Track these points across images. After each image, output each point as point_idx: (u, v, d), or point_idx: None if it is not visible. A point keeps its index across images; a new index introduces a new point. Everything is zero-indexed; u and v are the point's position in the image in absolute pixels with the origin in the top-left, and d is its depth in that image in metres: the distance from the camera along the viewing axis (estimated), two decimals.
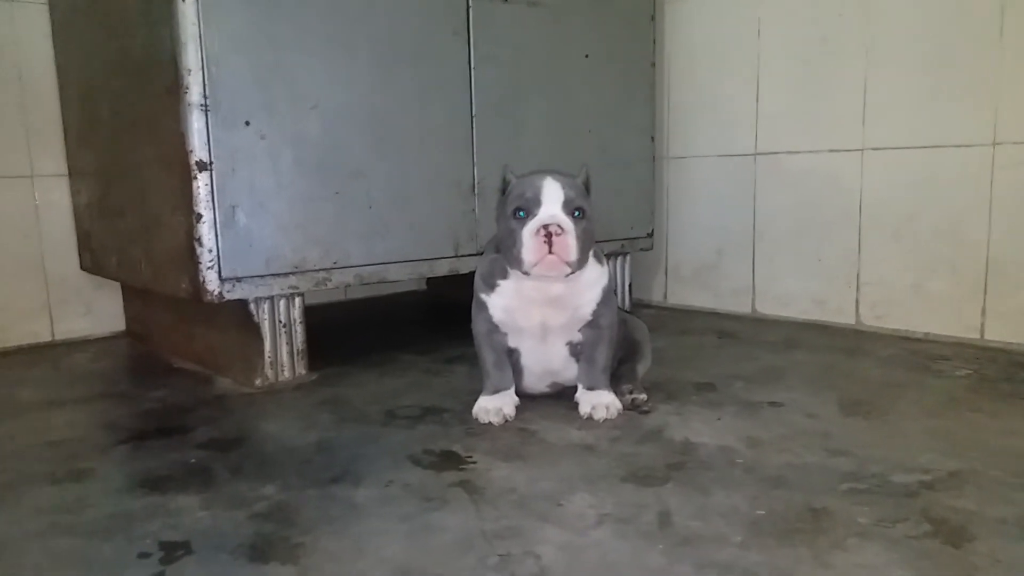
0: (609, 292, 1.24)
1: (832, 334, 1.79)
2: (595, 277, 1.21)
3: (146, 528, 0.87)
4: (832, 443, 1.08)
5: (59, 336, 1.90)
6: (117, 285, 1.96)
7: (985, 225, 1.61)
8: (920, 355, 1.56)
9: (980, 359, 1.52)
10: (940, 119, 1.65)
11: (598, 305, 1.22)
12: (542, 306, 1.19)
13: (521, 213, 1.11)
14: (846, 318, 1.85)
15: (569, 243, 1.08)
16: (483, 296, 1.23)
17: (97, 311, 1.95)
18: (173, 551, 0.82)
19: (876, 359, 1.55)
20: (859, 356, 1.58)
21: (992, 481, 0.94)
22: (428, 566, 0.77)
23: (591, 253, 1.19)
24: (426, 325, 2.13)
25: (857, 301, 1.82)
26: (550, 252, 1.08)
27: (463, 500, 0.92)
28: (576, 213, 1.11)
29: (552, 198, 1.10)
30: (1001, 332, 1.61)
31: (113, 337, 1.95)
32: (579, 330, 1.23)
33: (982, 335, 1.64)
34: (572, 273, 1.12)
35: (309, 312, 1.51)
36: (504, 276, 1.19)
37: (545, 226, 1.08)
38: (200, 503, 0.94)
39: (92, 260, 1.83)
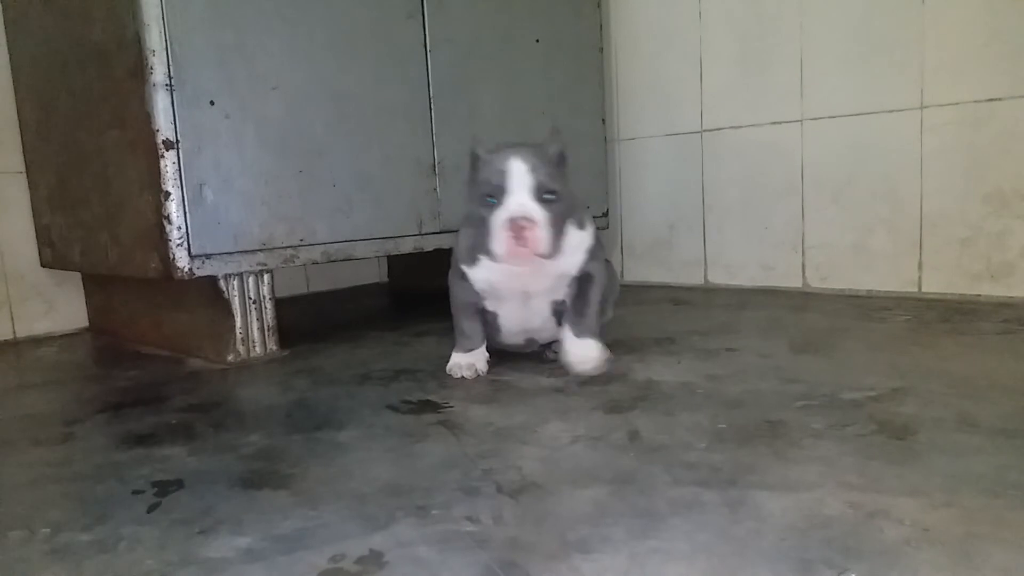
0: (596, 249, 1.22)
1: (781, 296, 1.88)
2: (576, 242, 1.19)
3: (136, 472, 0.90)
4: (785, 374, 1.15)
5: (21, 335, 1.89)
6: (78, 282, 1.96)
7: (917, 184, 1.72)
8: (863, 307, 1.66)
9: (919, 308, 1.62)
10: (872, 87, 1.75)
11: (584, 263, 1.20)
12: (525, 277, 1.18)
13: (491, 199, 1.08)
14: (793, 282, 1.94)
15: (539, 236, 1.04)
16: (464, 267, 1.22)
17: (59, 308, 1.95)
18: (166, 487, 0.85)
19: (822, 312, 1.64)
20: (806, 311, 1.67)
21: (931, 393, 1.02)
22: (417, 481, 0.81)
23: (568, 221, 1.16)
24: (391, 309, 2.16)
25: (803, 265, 1.92)
26: (519, 244, 1.04)
27: (444, 434, 0.97)
28: (547, 196, 1.07)
29: (520, 184, 1.06)
30: (937, 284, 1.72)
31: (76, 333, 1.94)
32: (567, 285, 1.22)
33: (920, 288, 1.74)
34: (548, 259, 1.09)
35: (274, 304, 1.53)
36: (487, 253, 1.13)
37: (513, 219, 1.04)
38: (187, 452, 0.96)
39: (53, 254, 1.83)
